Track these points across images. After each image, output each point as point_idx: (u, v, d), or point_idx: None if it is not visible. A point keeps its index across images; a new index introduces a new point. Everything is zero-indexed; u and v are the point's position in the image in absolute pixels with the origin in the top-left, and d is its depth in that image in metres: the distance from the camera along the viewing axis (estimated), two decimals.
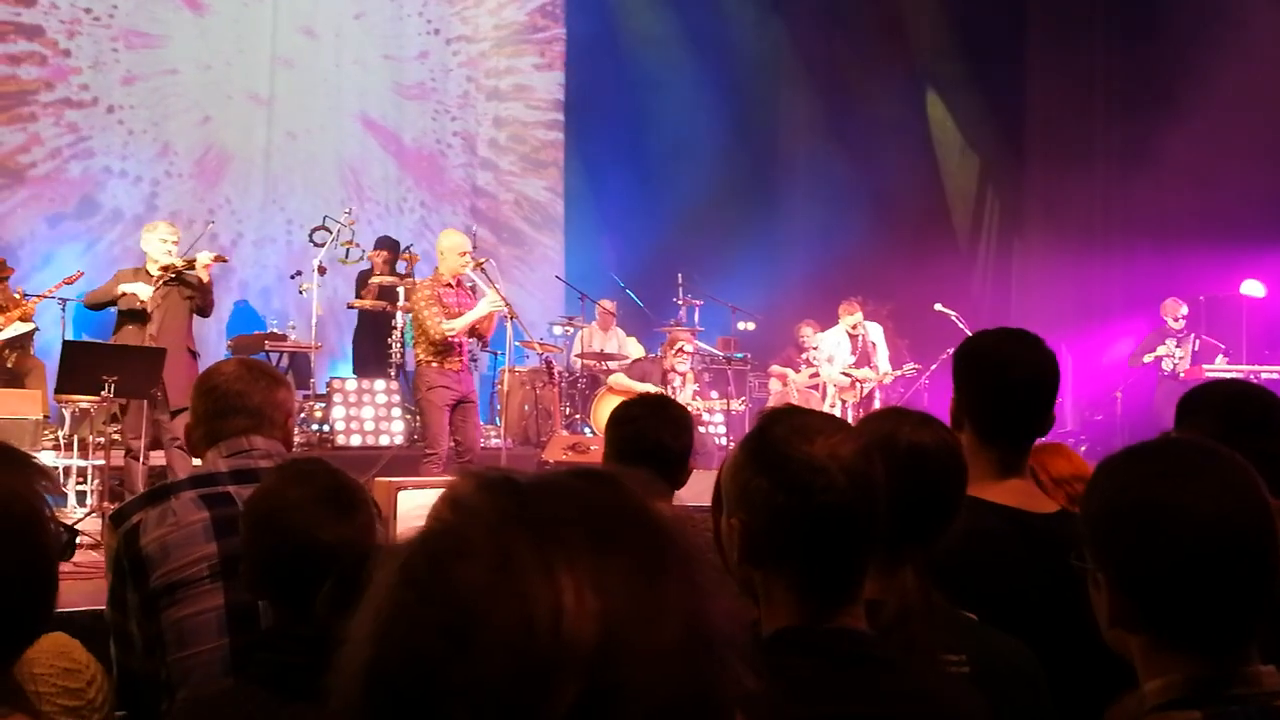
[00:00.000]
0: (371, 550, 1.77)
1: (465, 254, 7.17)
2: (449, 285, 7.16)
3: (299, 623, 1.76)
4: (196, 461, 2.77)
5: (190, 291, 7.23)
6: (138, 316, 7.10)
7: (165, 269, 7.18)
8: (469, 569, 0.67)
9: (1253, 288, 10.97)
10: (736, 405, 9.75)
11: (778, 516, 1.45)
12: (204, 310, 7.38)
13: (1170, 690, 1.31)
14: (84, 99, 11.03)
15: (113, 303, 7.19)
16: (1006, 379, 2.22)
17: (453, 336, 6.99)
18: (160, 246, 7.20)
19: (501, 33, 13.33)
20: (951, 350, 2.43)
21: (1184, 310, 10.40)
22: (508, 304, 7.36)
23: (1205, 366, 9.94)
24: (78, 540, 5.41)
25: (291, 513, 1.84)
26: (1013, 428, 2.23)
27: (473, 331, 7.19)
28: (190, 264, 7.30)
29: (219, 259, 7.85)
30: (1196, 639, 1.31)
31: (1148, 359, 10.29)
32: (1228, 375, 9.73)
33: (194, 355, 7.29)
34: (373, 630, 0.69)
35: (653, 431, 2.71)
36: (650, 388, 8.73)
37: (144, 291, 7.04)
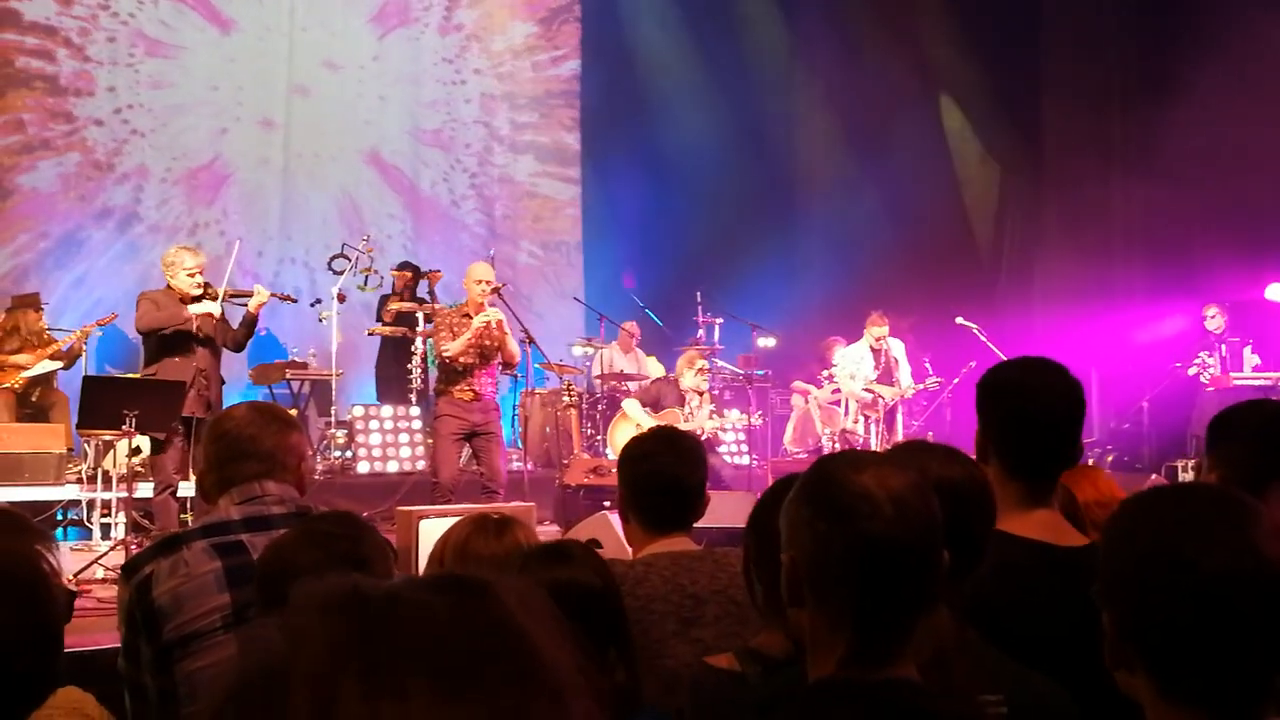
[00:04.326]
0: None
1: (481, 282, 7.21)
2: (468, 315, 7.19)
3: None
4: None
5: (224, 323, 6.99)
6: (177, 348, 6.75)
7: (226, 293, 6.97)
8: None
9: (1278, 292, 10.82)
10: (755, 420, 9.69)
11: (820, 546, 1.41)
12: (241, 345, 7.16)
13: None
14: (87, 89, 11.08)
15: (163, 328, 6.74)
16: (1031, 412, 2.17)
17: (449, 356, 7.05)
18: (188, 281, 6.78)
19: (520, 61, 13.34)
20: (974, 363, 2.41)
21: (1209, 314, 10.23)
22: (526, 332, 7.39)
23: (1233, 375, 9.80)
24: (101, 575, 5.31)
25: (300, 576, 1.79)
26: (1039, 460, 2.18)
27: (485, 355, 7.18)
28: (243, 295, 7.13)
29: (286, 298, 7.81)
30: (1204, 695, 1.25)
31: (1191, 371, 10.11)
32: (1257, 383, 9.61)
33: (223, 383, 7.17)
34: None
35: (670, 468, 2.68)
36: (657, 419, 8.68)
37: (215, 309, 6.71)
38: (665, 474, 2.65)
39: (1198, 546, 1.25)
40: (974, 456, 2.23)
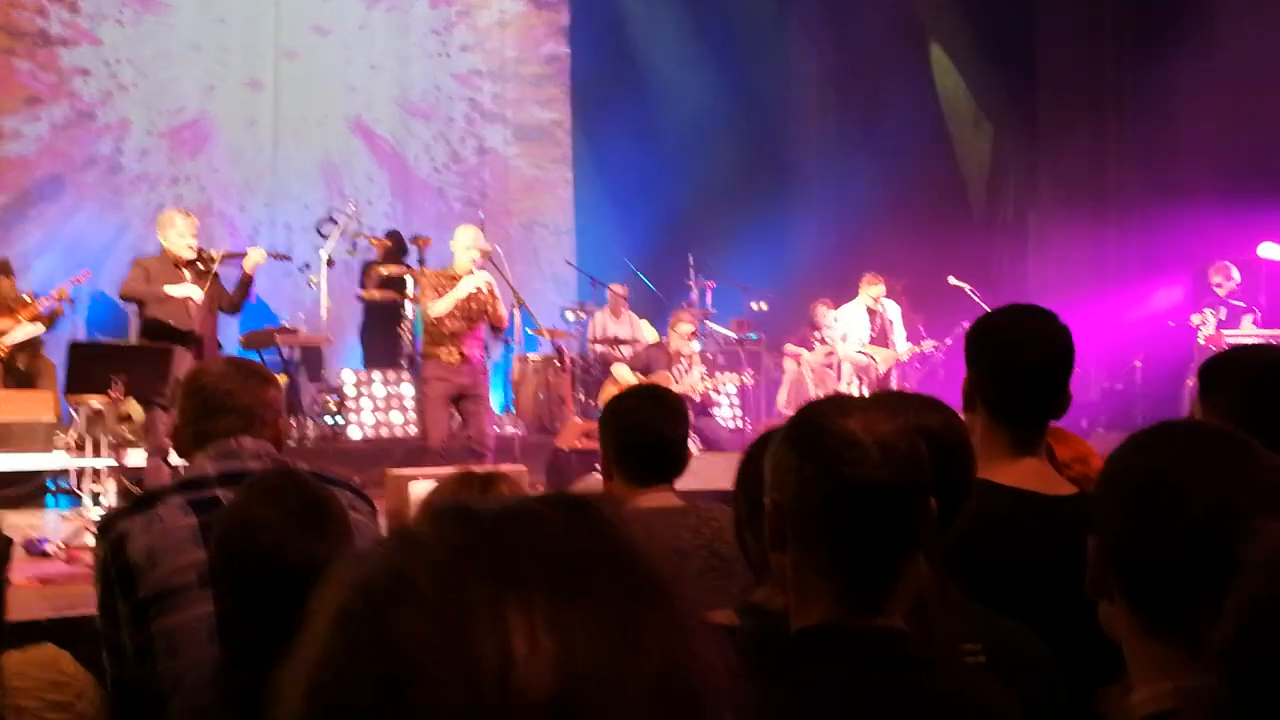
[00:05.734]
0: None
1: (470, 247, 7.18)
2: (454, 278, 7.13)
3: (272, 639, 1.69)
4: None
5: (219, 286, 6.95)
6: (168, 316, 6.75)
7: (221, 256, 6.93)
8: (408, 614, 0.60)
9: (1270, 250, 10.78)
10: (747, 378, 9.68)
11: (805, 491, 1.39)
12: (237, 306, 7.13)
13: (1160, 699, 1.23)
14: (74, 40, 11.01)
15: (141, 301, 6.79)
16: (1019, 358, 2.15)
17: (435, 317, 6.97)
18: (180, 242, 6.81)
19: (508, 34, 13.21)
20: (967, 324, 2.39)
21: (1215, 280, 10.14)
22: (517, 295, 7.33)
23: (1226, 332, 9.78)
24: (91, 542, 5.25)
25: (257, 533, 1.79)
26: (1027, 408, 2.17)
27: (471, 319, 7.12)
28: (238, 256, 7.07)
29: (281, 256, 7.73)
30: (1182, 629, 1.21)
31: (1195, 320, 10.04)
32: (1250, 342, 9.59)
33: (220, 348, 7.15)
34: (304, 680, 0.63)
35: (655, 423, 2.68)
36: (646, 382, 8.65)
37: (197, 294, 6.68)
38: (649, 427, 2.65)
39: (1194, 478, 1.23)
40: (961, 407, 2.21)
